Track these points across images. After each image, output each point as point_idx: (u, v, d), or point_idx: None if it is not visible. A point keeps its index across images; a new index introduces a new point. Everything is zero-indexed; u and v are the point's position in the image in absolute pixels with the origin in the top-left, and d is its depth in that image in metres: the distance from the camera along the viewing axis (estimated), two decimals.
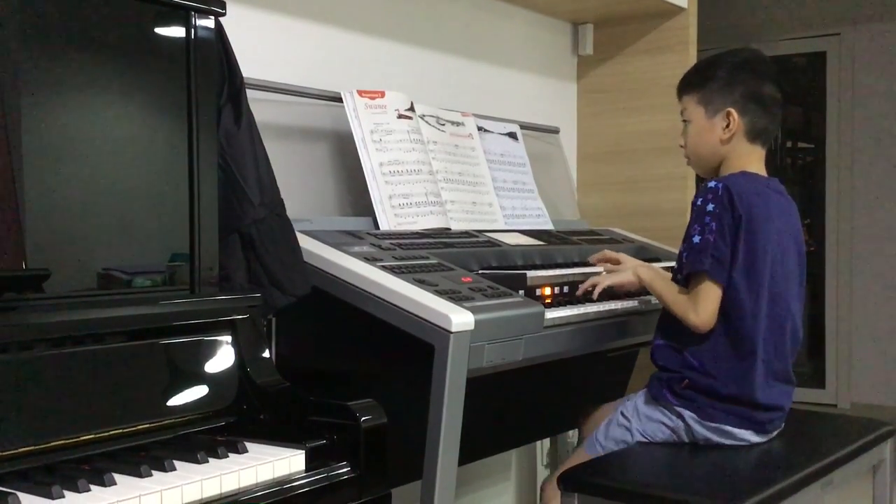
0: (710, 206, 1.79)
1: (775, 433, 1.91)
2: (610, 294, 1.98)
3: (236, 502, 1.15)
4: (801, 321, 1.94)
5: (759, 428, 1.86)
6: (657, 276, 1.92)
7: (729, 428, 1.83)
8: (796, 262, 1.91)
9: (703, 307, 1.79)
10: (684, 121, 1.97)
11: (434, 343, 1.57)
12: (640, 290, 2.00)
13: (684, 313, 1.81)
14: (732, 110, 1.89)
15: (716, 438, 1.84)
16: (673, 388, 1.85)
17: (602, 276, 1.98)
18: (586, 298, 1.96)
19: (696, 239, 1.79)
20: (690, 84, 1.96)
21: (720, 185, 1.80)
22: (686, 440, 1.87)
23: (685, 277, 1.83)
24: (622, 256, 2.13)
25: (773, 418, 1.88)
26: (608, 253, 2.15)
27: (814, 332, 5.40)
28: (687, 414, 1.84)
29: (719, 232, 1.78)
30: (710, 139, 1.92)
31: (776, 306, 1.85)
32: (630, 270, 1.96)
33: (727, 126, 1.89)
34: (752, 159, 1.91)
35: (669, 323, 1.87)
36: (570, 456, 2.08)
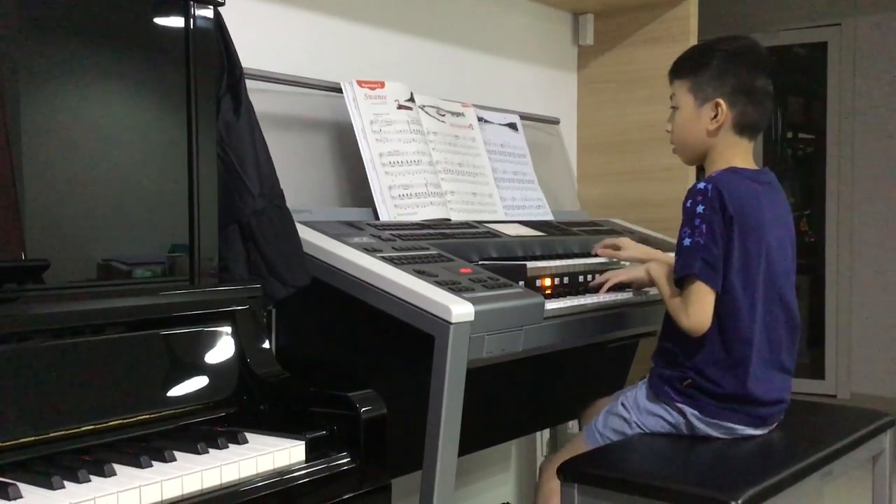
0: (700, 208, 1.77)
1: (775, 425, 1.92)
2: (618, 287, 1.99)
3: (236, 493, 1.15)
4: (798, 309, 1.93)
5: (760, 422, 1.86)
6: (665, 275, 1.88)
7: (730, 424, 1.83)
8: (790, 252, 1.91)
9: (693, 310, 1.77)
10: (673, 107, 1.94)
11: (434, 334, 1.57)
12: (651, 285, 1.98)
13: (677, 316, 1.80)
14: (721, 101, 1.86)
15: (716, 434, 1.85)
16: (675, 385, 1.84)
17: (614, 273, 1.98)
18: (594, 290, 1.97)
19: (686, 242, 1.77)
20: (683, 70, 1.93)
21: (709, 186, 1.78)
22: (686, 434, 1.88)
23: (677, 281, 1.82)
24: (622, 241, 2.14)
25: (775, 412, 1.89)
26: (608, 241, 2.16)
27: (814, 322, 5.40)
28: (689, 411, 1.84)
29: (710, 234, 1.75)
30: (696, 128, 1.90)
31: (772, 302, 1.84)
32: (643, 267, 1.95)
33: (715, 117, 1.86)
34: (738, 152, 1.89)
35: (670, 325, 1.86)
36: (569, 443, 2.07)
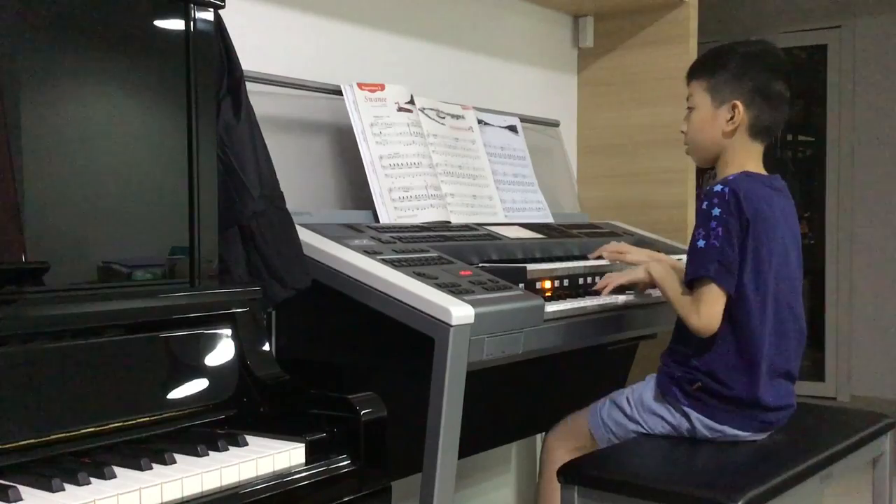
0: (717, 211, 1.77)
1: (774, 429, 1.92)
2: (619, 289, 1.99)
3: (236, 495, 1.15)
4: (804, 318, 1.93)
5: (765, 427, 1.86)
6: (668, 274, 1.89)
7: (734, 431, 1.83)
8: (797, 261, 1.91)
9: (704, 311, 1.77)
10: (689, 107, 1.94)
11: (434, 336, 1.57)
12: (653, 285, 1.98)
13: (686, 315, 1.80)
14: (738, 103, 1.86)
15: (717, 439, 1.85)
16: (683, 387, 1.84)
17: (615, 275, 1.98)
18: (594, 292, 1.97)
19: (701, 244, 1.77)
20: (701, 70, 1.93)
21: (726, 189, 1.78)
22: (686, 437, 1.87)
23: (689, 282, 1.82)
24: (623, 246, 2.14)
25: (781, 417, 1.89)
26: (613, 247, 2.16)
27: (814, 325, 5.40)
28: (694, 415, 1.84)
29: (726, 237, 1.75)
30: (712, 129, 1.90)
31: (781, 308, 1.84)
32: (642, 268, 1.96)
33: (731, 118, 1.87)
34: (750, 156, 1.89)
35: (682, 327, 1.86)
36: (573, 416, 2.05)
